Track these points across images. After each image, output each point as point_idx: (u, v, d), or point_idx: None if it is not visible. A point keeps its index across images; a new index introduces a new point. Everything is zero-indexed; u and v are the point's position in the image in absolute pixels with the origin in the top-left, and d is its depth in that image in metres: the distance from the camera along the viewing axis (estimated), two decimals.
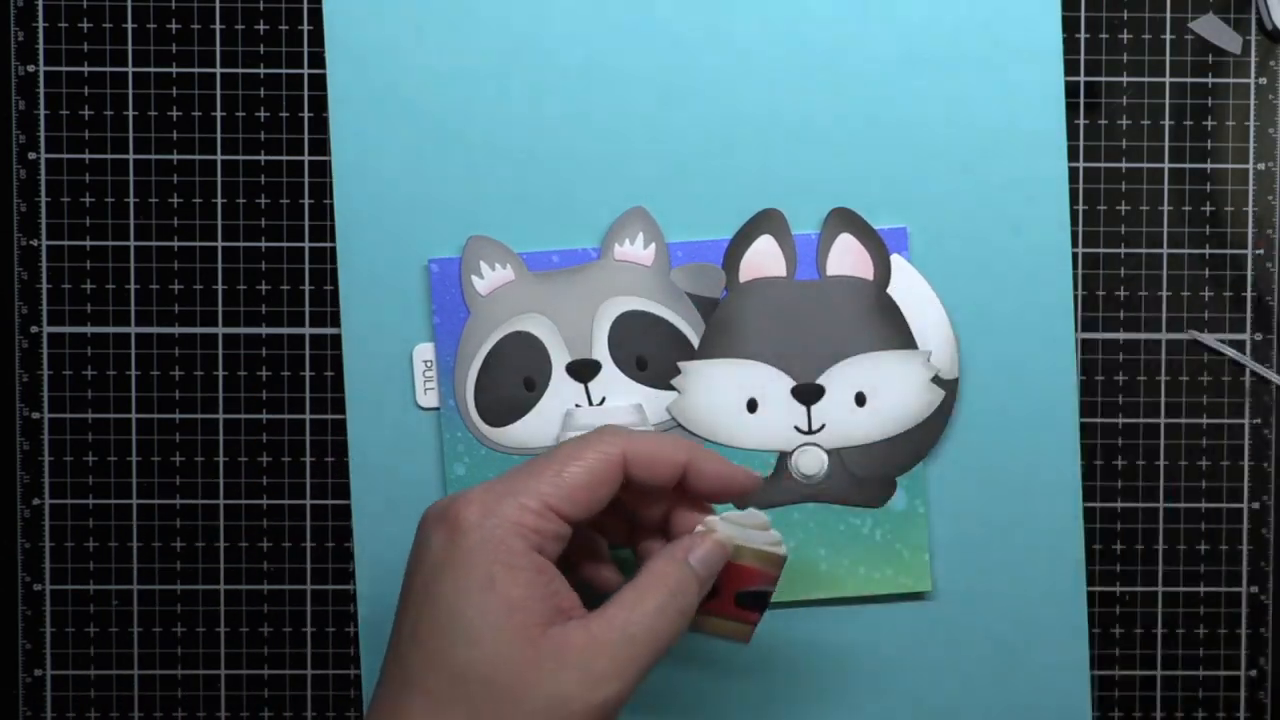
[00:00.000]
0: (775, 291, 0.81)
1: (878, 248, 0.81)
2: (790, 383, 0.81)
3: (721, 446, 0.81)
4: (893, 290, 0.81)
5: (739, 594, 0.73)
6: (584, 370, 0.81)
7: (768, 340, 0.81)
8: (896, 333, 0.81)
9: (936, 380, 0.81)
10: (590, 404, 0.80)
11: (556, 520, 0.68)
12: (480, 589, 0.65)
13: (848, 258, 0.81)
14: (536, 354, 0.81)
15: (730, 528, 0.73)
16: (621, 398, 0.81)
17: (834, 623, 0.82)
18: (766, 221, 0.81)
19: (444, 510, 0.67)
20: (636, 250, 0.81)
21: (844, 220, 0.81)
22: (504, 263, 0.80)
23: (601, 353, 0.81)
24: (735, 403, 0.81)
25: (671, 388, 0.81)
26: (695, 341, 0.81)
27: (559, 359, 0.81)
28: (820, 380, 0.81)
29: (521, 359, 0.81)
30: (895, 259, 0.81)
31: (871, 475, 0.81)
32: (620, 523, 0.75)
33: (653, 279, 0.81)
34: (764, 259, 0.81)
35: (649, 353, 0.81)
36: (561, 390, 0.81)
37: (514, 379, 0.81)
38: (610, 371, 0.80)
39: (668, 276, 0.81)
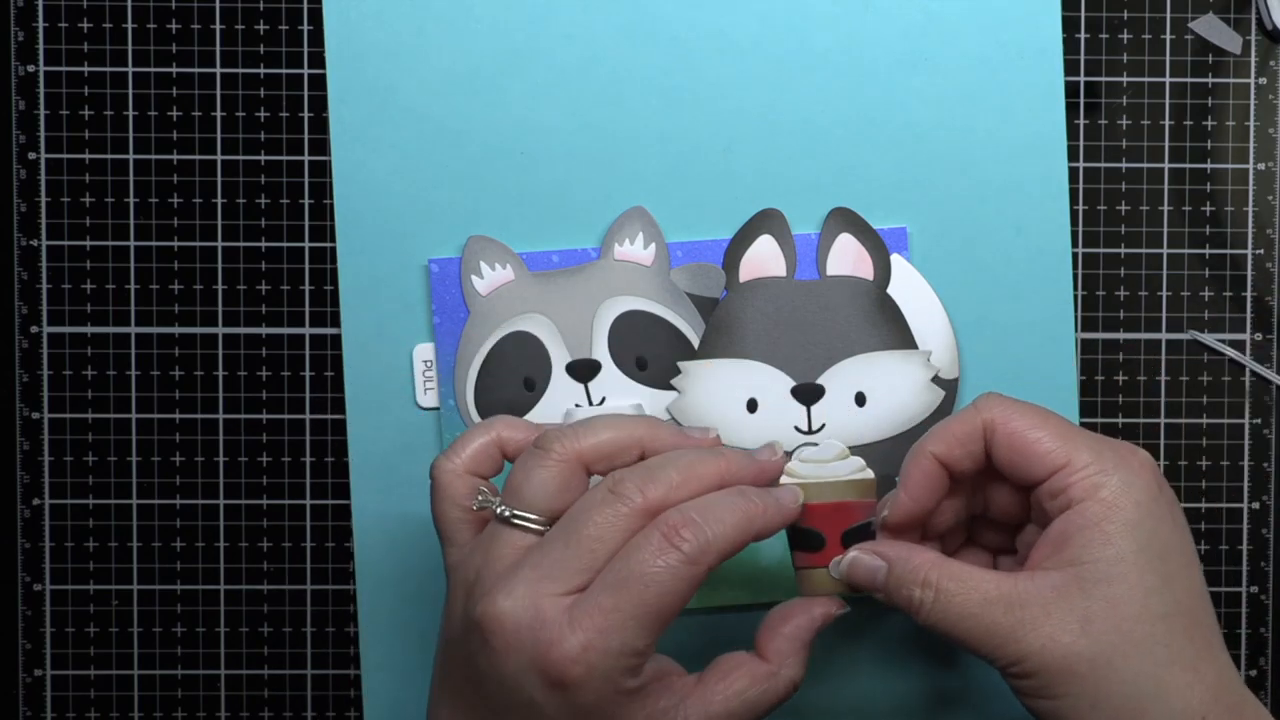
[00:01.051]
0: (775, 291, 0.81)
1: (878, 248, 0.81)
2: (790, 383, 0.81)
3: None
4: (893, 290, 0.81)
5: (845, 534, 0.71)
6: (584, 370, 0.81)
7: (768, 340, 0.81)
8: (896, 333, 0.81)
9: (936, 380, 0.81)
10: (590, 404, 0.80)
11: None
12: None
13: (848, 258, 0.81)
14: (536, 354, 0.81)
15: (811, 467, 0.72)
16: (621, 398, 0.81)
17: (834, 622, 0.82)
18: (766, 221, 0.81)
19: (535, 658, 0.64)
20: (636, 250, 0.81)
21: (844, 220, 0.81)
22: (504, 263, 0.80)
23: (601, 353, 0.81)
24: (735, 403, 0.81)
25: (671, 388, 0.81)
26: (695, 341, 0.81)
27: (559, 359, 0.81)
28: (820, 380, 0.81)
29: (521, 359, 0.81)
30: (895, 259, 0.81)
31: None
32: None
33: (653, 279, 0.81)
34: (764, 259, 0.81)
35: (649, 353, 0.81)
36: (561, 390, 0.81)
37: (514, 379, 0.81)
38: (610, 371, 0.80)
39: (668, 276, 0.81)
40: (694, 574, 0.65)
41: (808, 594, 0.72)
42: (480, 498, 0.69)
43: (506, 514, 0.68)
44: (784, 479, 0.72)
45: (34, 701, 0.83)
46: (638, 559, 0.64)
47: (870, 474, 0.72)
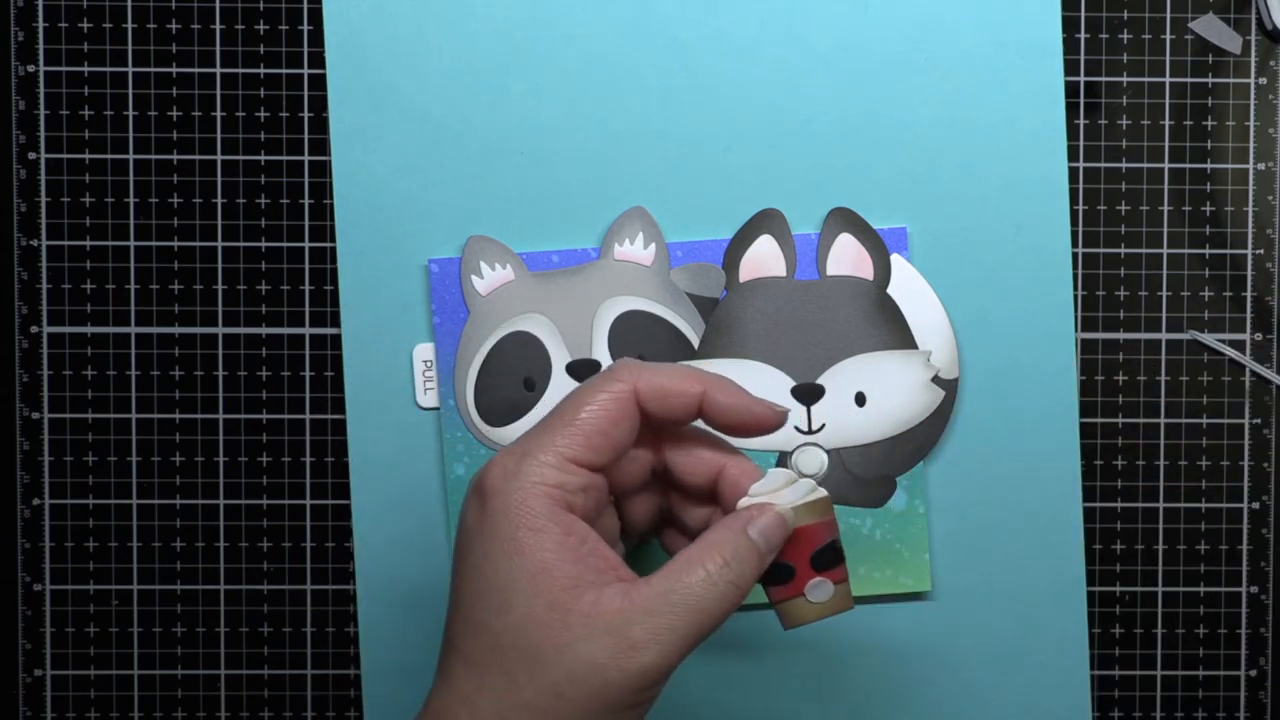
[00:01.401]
0: (775, 291, 0.81)
1: (878, 248, 0.81)
2: (790, 382, 0.81)
3: None
4: (893, 290, 0.81)
5: (813, 558, 0.69)
6: (584, 370, 0.81)
7: (767, 340, 0.81)
8: (896, 333, 0.81)
9: (936, 380, 0.81)
10: None
11: (579, 471, 0.65)
12: (506, 555, 0.63)
13: (847, 258, 0.81)
14: (536, 354, 0.81)
15: (763, 500, 0.69)
16: None
17: (834, 622, 0.82)
18: (766, 221, 0.81)
19: (477, 477, 0.65)
20: (636, 250, 0.81)
21: (844, 220, 0.81)
22: (504, 263, 0.81)
23: (601, 353, 0.81)
24: None
25: None
26: (695, 341, 0.81)
27: (559, 359, 0.81)
28: (820, 380, 0.81)
29: (521, 359, 0.81)
30: (895, 259, 0.81)
31: (871, 475, 0.81)
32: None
33: (653, 279, 0.81)
34: (764, 259, 0.81)
35: (649, 352, 0.81)
36: (561, 390, 0.81)
37: (514, 379, 0.81)
38: None
39: (668, 276, 0.81)
40: (628, 397, 0.66)
41: (791, 627, 0.71)
42: None
43: None
44: (744, 501, 0.69)
45: (34, 701, 0.83)
46: (575, 393, 0.66)
47: (823, 492, 0.69)
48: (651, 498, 0.72)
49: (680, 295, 0.81)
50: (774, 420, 0.68)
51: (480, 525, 0.64)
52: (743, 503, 0.68)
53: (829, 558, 0.69)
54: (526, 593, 0.63)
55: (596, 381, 0.67)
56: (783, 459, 0.81)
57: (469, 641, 0.64)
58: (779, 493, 0.69)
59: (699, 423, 0.69)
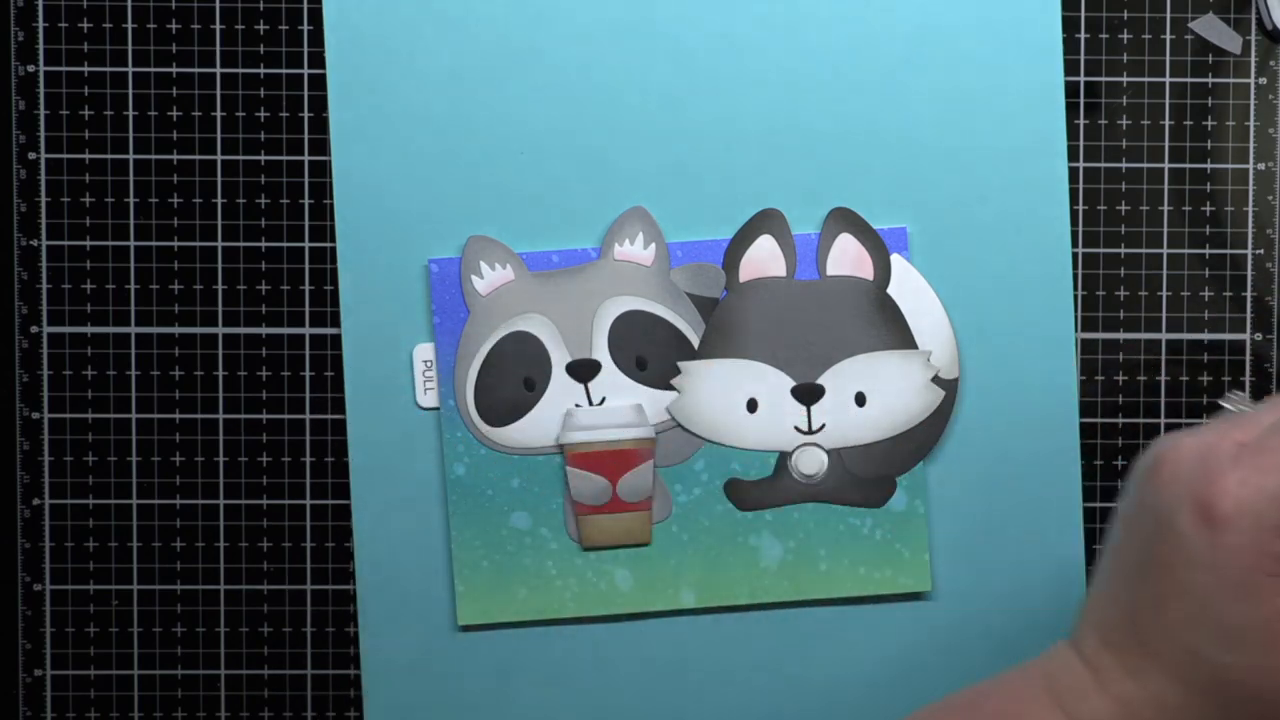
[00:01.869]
0: (775, 291, 0.81)
1: (878, 248, 0.81)
2: (790, 382, 0.81)
3: (722, 446, 0.81)
4: (893, 290, 0.81)
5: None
6: (584, 370, 0.81)
7: (767, 340, 0.81)
8: (896, 333, 0.81)
9: (936, 380, 0.81)
10: (590, 404, 0.80)
11: None
12: (1239, 597, 0.59)
13: (847, 258, 0.81)
14: (536, 354, 0.81)
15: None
16: (621, 398, 0.81)
17: (834, 623, 0.82)
18: (766, 221, 0.81)
19: (1192, 485, 0.59)
20: (636, 250, 0.81)
21: (844, 220, 0.81)
22: (504, 263, 0.80)
23: (601, 353, 0.81)
24: (735, 403, 0.81)
25: (671, 388, 0.81)
26: (695, 341, 0.81)
27: (559, 359, 0.81)
28: (820, 380, 0.81)
29: (521, 359, 0.81)
30: (895, 259, 0.81)
31: (871, 475, 0.81)
32: None
33: (653, 279, 0.81)
34: (764, 259, 0.81)
35: (649, 353, 0.81)
36: (561, 390, 0.81)
37: (514, 379, 0.81)
38: (610, 371, 0.80)
39: (668, 276, 0.81)
40: None
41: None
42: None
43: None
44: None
45: (34, 701, 0.83)
46: None
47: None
48: None
49: (680, 295, 0.81)
50: None
51: (1209, 556, 0.59)
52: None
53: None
54: (1263, 643, 0.59)
55: None
56: (783, 459, 0.81)
57: (1178, 657, 0.61)
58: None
59: None
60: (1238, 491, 0.59)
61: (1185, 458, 0.61)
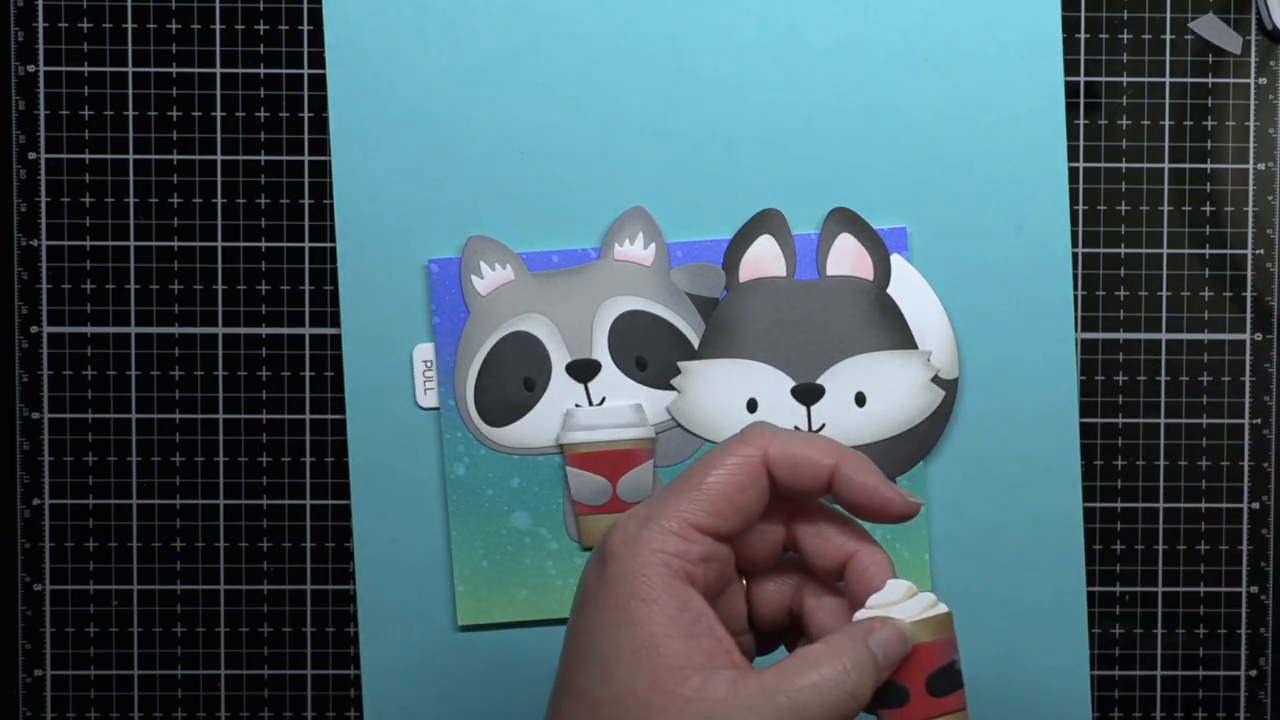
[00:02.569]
0: (775, 291, 0.81)
1: (878, 248, 0.81)
2: (790, 383, 0.81)
3: None
4: (893, 290, 0.81)
5: (929, 679, 0.62)
6: (584, 370, 0.81)
7: (767, 340, 0.81)
8: (896, 333, 0.81)
9: (936, 380, 0.81)
10: (590, 404, 0.81)
11: (702, 539, 0.61)
12: (615, 624, 0.60)
13: (848, 258, 0.81)
14: (536, 354, 0.81)
15: (878, 613, 0.63)
16: (621, 398, 0.81)
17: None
18: (766, 221, 0.81)
19: (602, 539, 0.61)
20: (636, 250, 0.81)
21: (844, 220, 0.81)
22: (504, 263, 0.81)
23: (601, 353, 0.81)
24: (735, 403, 0.81)
25: (671, 388, 0.81)
26: (695, 341, 0.81)
27: (559, 359, 0.81)
28: (820, 380, 0.81)
29: (521, 359, 0.81)
30: (895, 259, 0.81)
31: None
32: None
33: (653, 279, 0.81)
34: (764, 259, 0.81)
35: (649, 353, 0.81)
36: (561, 390, 0.81)
37: (514, 379, 0.81)
38: (610, 371, 0.81)
39: (668, 276, 0.81)
40: (757, 462, 0.62)
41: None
42: None
43: None
44: (862, 614, 0.63)
45: (34, 701, 0.83)
46: (705, 456, 0.62)
47: (944, 607, 0.63)
48: (783, 586, 0.66)
49: (680, 295, 0.81)
50: (903, 510, 0.63)
51: (596, 590, 0.61)
52: (860, 615, 0.63)
53: (947, 681, 0.63)
54: (630, 666, 0.60)
55: (726, 445, 0.63)
56: None
57: (570, 705, 0.61)
58: (898, 605, 0.63)
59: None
60: (625, 524, 0.61)
61: (604, 537, 0.62)
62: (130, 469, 0.83)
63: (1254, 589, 0.83)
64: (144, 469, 0.83)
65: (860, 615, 0.62)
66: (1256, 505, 0.83)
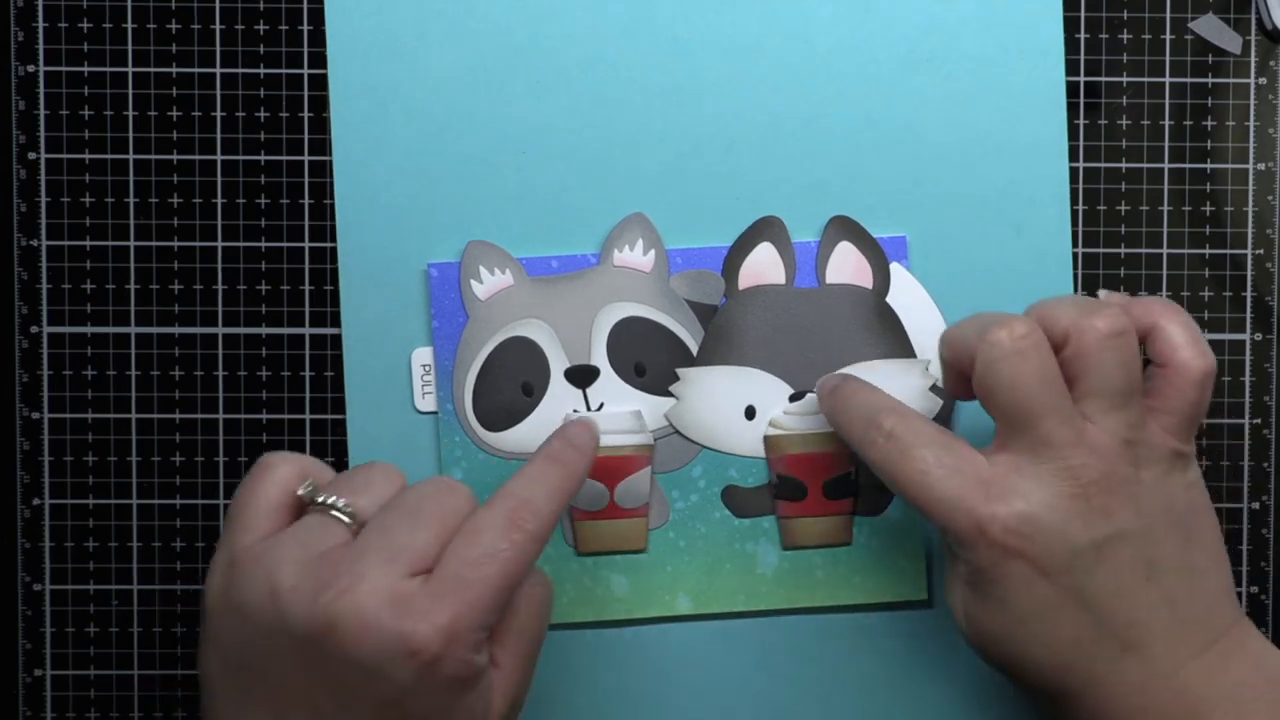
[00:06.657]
0: (774, 299, 0.81)
1: (877, 256, 0.81)
2: (789, 390, 0.81)
3: (720, 453, 0.81)
4: (892, 299, 0.81)
5: (826, 484, 0.76)
6: (582, 376, 0.81)
7: (766, 348, 0.81)
8: (895, 342, 0.81)
9: (935, 389, 0.81)
10: (588, 410, 0.81)
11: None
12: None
13: (847, 266, 0.81)
14: (535, 359, 0.81)
15: (794, 419, 0.79)
16: (620, 404, 0.81)
17: (831, 631, 0.82)
18: (766, 229, 0.81)
19: (400, 635, 0.64)
20: (636, 256, 0.81)
21: (844, 228, 0.81)
22: (503, 268, 0.81)
23: (600, 359, 0.81)
24: (733, 410, 0.81)
25: (670, 394, 0.81)
26: (694, 348, 0.81)
27: (557, 364, 0.81)
28: None
29: (520, 364, 0.81)
30: (895, 268, 0.81)
31: (869, 483, 0.81)
32: None
33: (652, 285, 0.81)
34: (763, 266, 0.81)
35: (648, 359, 0.81)
36: (560, 396, 0.81)
37: (512, 384, 0.81)
38: (609, 377, 0.81)
39: (667, 283, 0.81)
40: (537, 550, 0.67)
41: (790, 546, 0.77)
42: (308, 484, 0.69)
43: (339, 503, 0.67)
44: (769, 430, 0.79)
45: (34, 701, 0.83)
46: (488, 539, 0.66)
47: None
48: None
49: (679, 302, 0.81)
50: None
51: (414, 684, 0.64)
52: (774, 418, 0.79)
53: (842, 488, 0.78)
54: None
55: None
56: None
57: None
58: (813, 416, 0.79)
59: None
60: (450, 628, 0.63)
61: (374, 614, 0.63)
62: (130, 469, 0.83)
63: (1254, 589, 0.83)
64: (144, 469, 0.83)
65: (774, 418, 0.79)
66: (1256, 505, 0.83)
